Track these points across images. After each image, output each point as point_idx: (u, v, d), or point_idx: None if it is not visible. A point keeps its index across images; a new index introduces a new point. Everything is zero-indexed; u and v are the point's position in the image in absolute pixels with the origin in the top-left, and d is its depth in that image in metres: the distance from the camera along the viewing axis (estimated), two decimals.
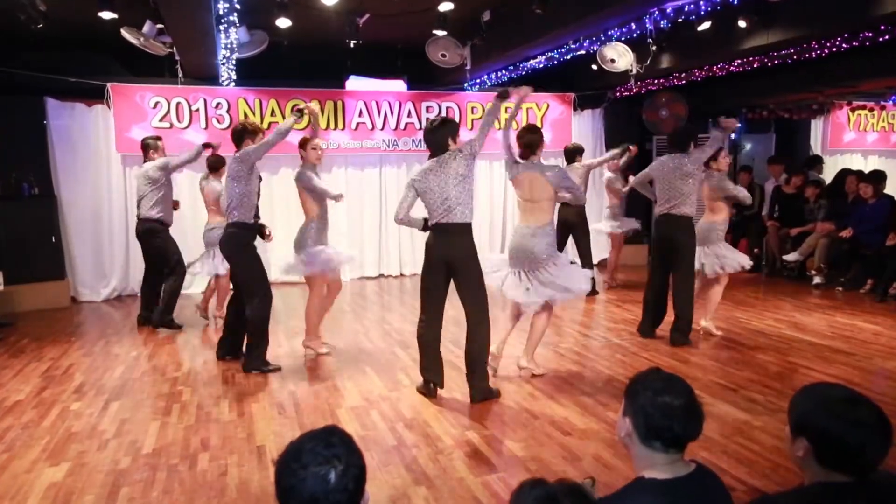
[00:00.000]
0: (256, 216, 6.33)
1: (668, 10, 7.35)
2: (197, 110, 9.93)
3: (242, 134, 6.10)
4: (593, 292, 9.14)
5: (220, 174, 7.68)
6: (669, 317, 6.96)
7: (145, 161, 7.87)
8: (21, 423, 5.01)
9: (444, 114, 11.03)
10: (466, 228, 5.19)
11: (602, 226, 9.89)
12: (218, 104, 10.00)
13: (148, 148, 7.88)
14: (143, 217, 7.79)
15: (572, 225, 9.06)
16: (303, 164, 6.47)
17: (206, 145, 7.88)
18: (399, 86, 10.92)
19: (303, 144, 6.50)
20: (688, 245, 6.67)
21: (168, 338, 7.57)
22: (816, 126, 13.73)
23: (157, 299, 7.99)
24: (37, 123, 9.29)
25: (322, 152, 6.59)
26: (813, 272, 9.61)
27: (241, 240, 6.11)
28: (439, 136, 5.24)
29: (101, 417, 5.11)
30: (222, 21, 6.87)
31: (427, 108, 11.11)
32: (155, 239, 7.81)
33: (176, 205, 8.22)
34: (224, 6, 6.55)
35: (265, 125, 9.95)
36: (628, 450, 2.23)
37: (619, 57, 8.50)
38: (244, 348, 6.29)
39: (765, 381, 5.57)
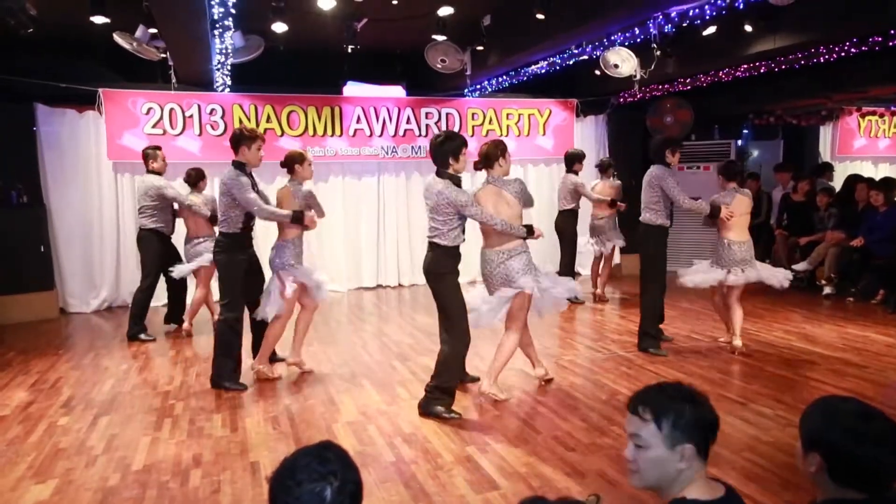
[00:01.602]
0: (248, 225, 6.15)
1: (673, 15, 7.26)
2: (191, 116, 9.80)
3: (240, 140, 5.93)
4: (577, 300, 9.21)
5: (201, 188, 7.97)
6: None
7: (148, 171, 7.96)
8: (6, 439, 4.92)
9: (443, 120, 11.02)
10: (434, 246, 5.24)
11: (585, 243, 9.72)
12: (212, 110, 9.88)
13: (147, 158, 7.93)
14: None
15: (559, 231, 9.24)
16: (293, 178, 6.21)
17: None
18: (398, 92, 10.85)
19: (301, 160, 6.23)
20: None
21: (159, 351, 7.47)
22: (825, 132, 13.62)
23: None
24: (26, 130, 9.18)
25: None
26: (823, 282, 9.47)
27: (224, 248, 6.02)
28: (438, 153, 5.24)
29: (90, 433, 5.03)
30: (217, 26, 6.78)
31: (426, 114, 11.01)
32: None
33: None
34: (219, 11, 6.45)
35: (261, 131, 9.78)
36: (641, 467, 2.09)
37: (622, 62, 8.38)
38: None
39: (774, 394, 5.45)
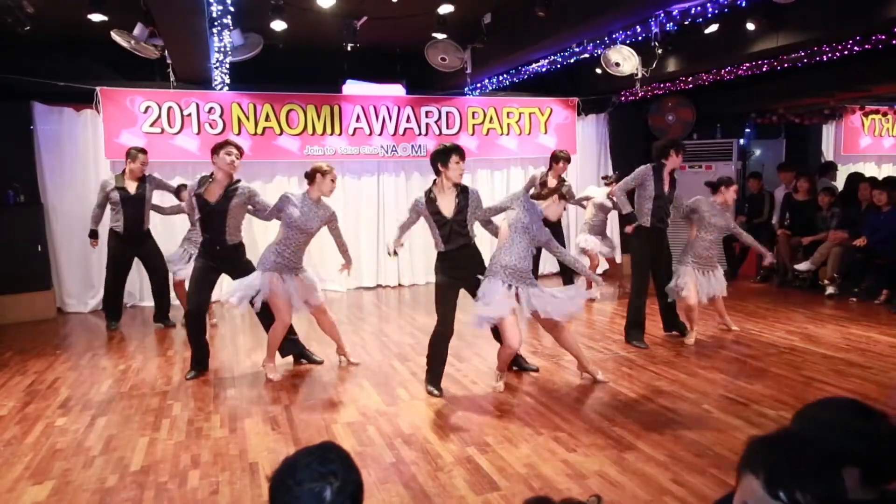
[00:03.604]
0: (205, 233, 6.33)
1: (675, 13, 7.23)
2: (189, 115, 9.74)
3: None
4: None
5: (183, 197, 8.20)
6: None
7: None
8: (4, 440, 4.89)
9: (444, 119, 11.05)
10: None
11: (584, 241, 9.63)
12: (211, 109, 9.83)
13: (126, 157, 8.16)
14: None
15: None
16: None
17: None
18: (397, 90, 10.80)
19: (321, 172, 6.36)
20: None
21: (157, 350, 7.43)
22: (828, 131, 13.55)
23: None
24: (23, 129, 9.13)
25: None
26: (826, 282, 9.42)
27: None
28: (432, 161, 5.70)
29: (88, 433, 4.99)
30: (216, 24, 6.76)
31: (427, 112, 10.98)
32: None
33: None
34: (217, 8, 6.45)
35: (259, 130, 9.98)
36: None
37: (623, 60, 8.33)
38: None
39: (777, 395, 5.42)
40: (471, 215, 5.67)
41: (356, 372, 6.38)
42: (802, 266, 9.64)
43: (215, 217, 6.11)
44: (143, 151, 8.17)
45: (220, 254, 6.23)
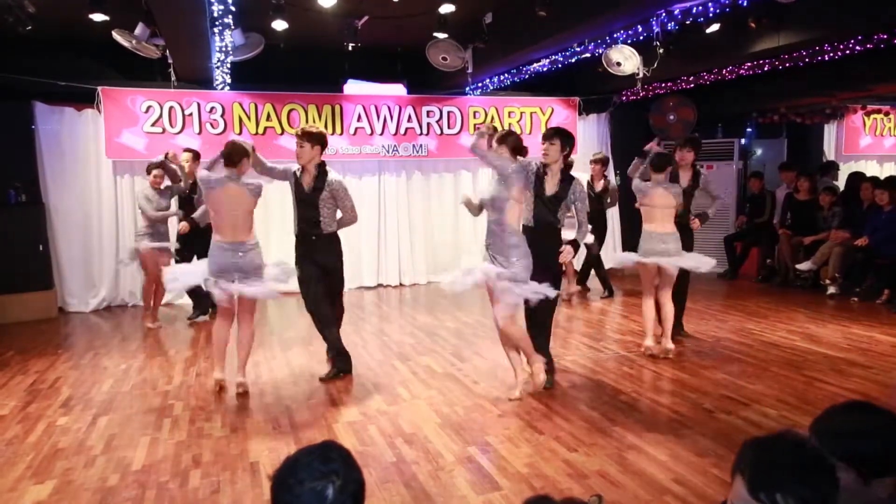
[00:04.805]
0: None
1: (676, 12, 7.23)
2: (190, 115, 9.76)
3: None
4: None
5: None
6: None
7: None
8: (5, 439, 4.89)
9: (445, 118, 11.07)
10: None
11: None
12: (212, 108, 9.85)
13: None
14: None
15: None
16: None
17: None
18: (398, 90, 10.79)
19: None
20: None
21: (159, 350, 7.44)
22: (830, 131, 13.52)
23: None
24: (24, 128, 9.14)
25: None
26: (827, 282, 9.42)
27: None
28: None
29: (89, 433, 4.99)
30: (217, 23, 6.76)
31: (428, 112, 10.98)
32: None
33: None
34: (218, 8, 6.43)
35: (261, 130, 9.99)
36: None
37: (625, 60, 8.31)
38: None
39: (778, 395, 5.42)
40: (565, 204, 5.63)
41: (357, 371, 6.36)
42: (804, 266, 9.64)
43: (308, 206, 6.06)
44: (187, 150, 8.59)
45: (316, 244, 6.05)
